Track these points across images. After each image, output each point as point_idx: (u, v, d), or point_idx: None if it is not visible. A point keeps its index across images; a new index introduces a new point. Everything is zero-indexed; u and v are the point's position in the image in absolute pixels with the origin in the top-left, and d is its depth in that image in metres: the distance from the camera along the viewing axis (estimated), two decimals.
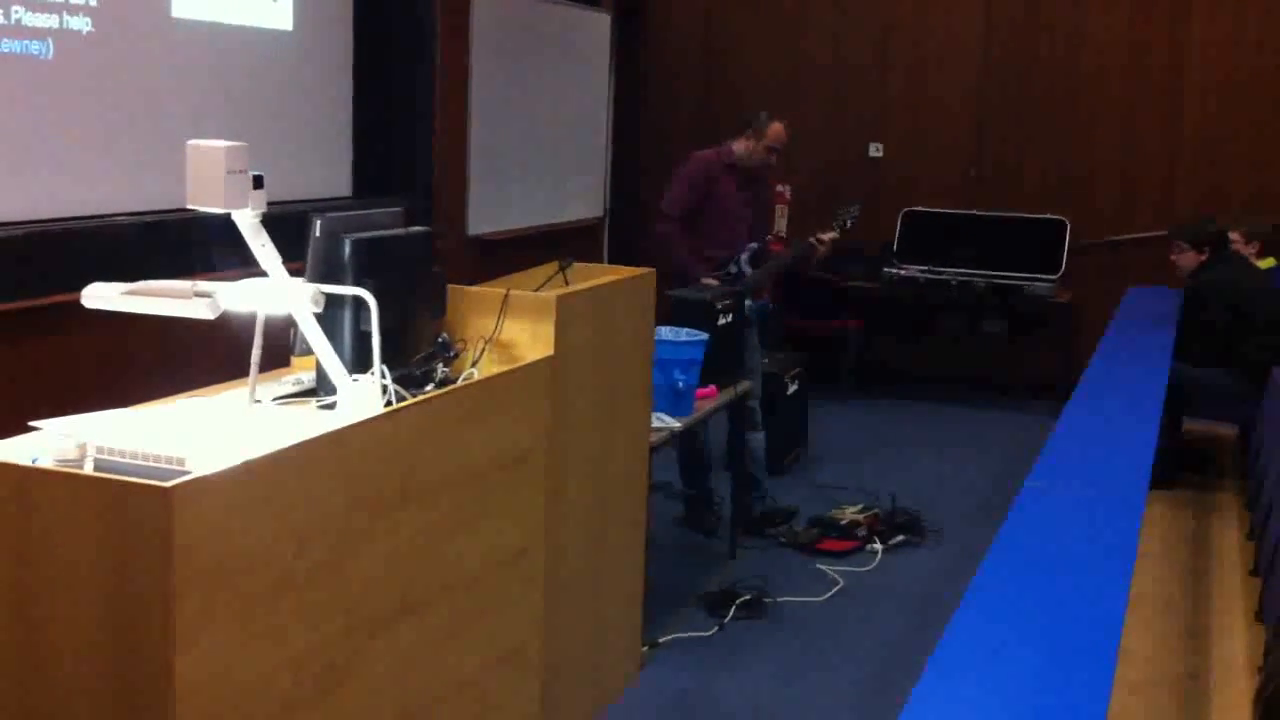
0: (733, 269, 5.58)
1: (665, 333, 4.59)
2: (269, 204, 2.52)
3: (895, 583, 5.05)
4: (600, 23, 8.41)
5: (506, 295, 3.27)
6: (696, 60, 9.00)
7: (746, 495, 5.57)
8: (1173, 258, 6.60)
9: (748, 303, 5.53)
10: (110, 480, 2.11)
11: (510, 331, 3.28)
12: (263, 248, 2.56)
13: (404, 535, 2.67)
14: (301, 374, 3.07)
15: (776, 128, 5.58)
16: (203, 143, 2.43)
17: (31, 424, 2.43)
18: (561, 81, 7.91)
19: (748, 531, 5.48)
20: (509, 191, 7.34)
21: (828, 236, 5.72)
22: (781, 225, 8.15)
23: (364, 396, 2.67)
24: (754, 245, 5.64)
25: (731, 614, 4.60)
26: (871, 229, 8.40)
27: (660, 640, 4.37)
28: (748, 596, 4.67)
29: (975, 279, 8.12)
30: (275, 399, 2.91)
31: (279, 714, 2.31)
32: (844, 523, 5.50)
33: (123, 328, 3.26)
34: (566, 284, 3.79)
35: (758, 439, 5.66)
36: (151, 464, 2.24)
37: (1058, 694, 2.27)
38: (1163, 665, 4.31)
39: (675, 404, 4.52)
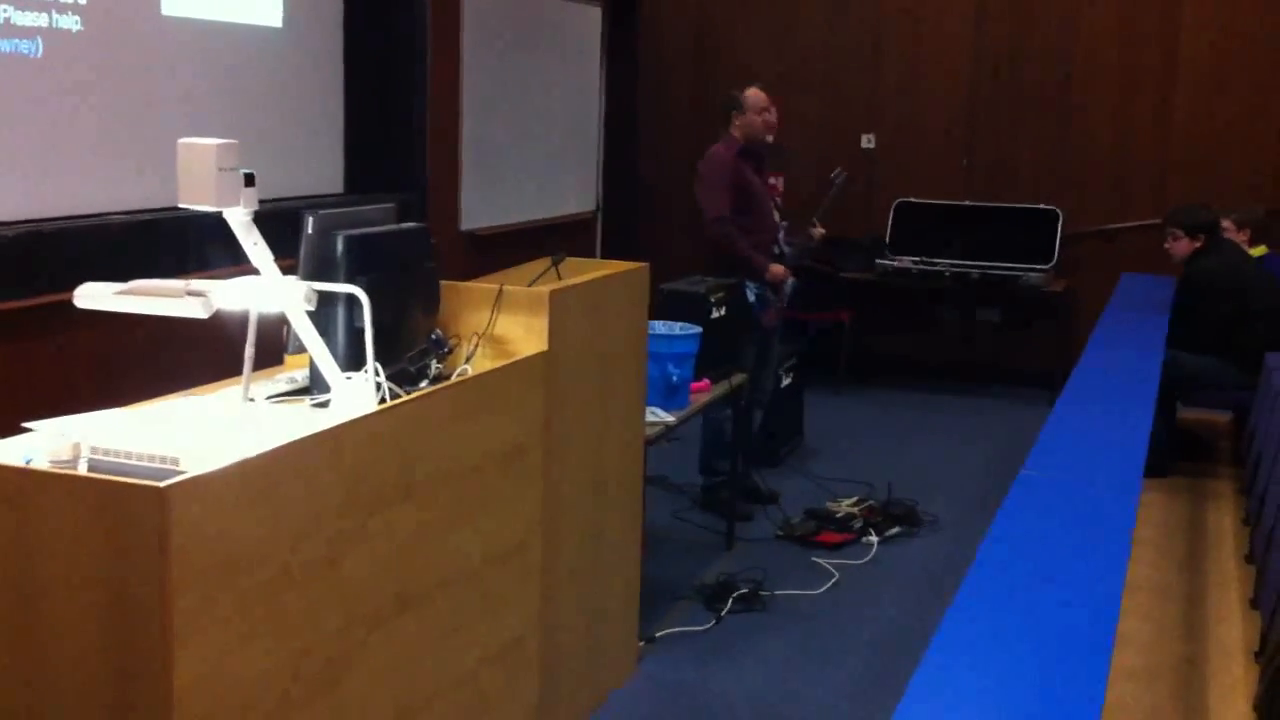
0: (776, 250, 5.70)
1: (659, 327, 4.59)
2: (261, 201, 2.51)
3: (891, 574, 5.06)
4: (591, 15, 8.40)
5: (500, 291, 3.27)
6: (688, 52, 8.99)
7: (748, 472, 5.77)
8: (1167, 245, 6.60)
9: (790, 282, 5.73)
10: (105, 481, 2.10)
11: (504, 327, 3.28)
12: (255, 246, 2.55)
13: (400, 531, 2.67)
14: (295, 372, 3.06)
15: (751, 93, 5.72)
16: (193, 140, 2.42)
17: (25, 425, 2.42)
18: (553, 75, 7.90)
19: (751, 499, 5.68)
20: (501, 186, 7.33)
21: (817, 233, 6.02)
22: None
23: (358, 394, 2.67)
24: (785, 223, 5.80)
25: (728, 607, 4.60)
26: (864, 220, 8.42)
27: (657, 634, 4.37)
28: (744, 590, 4.67)
29: (969, 269, 8.13)
30: (269, 397, 2.91)
31: (277, 711, 2.31)
32: (840, 515, 5.50)
33: (116, 327, 3.26)
34: (559, 279, 3.79)
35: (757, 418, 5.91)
36: (146, 464, 2.23)
37: (1055, 682, 2.27)
38: (1159, 652, 4.32)
39: (669, 398, 4.52)
